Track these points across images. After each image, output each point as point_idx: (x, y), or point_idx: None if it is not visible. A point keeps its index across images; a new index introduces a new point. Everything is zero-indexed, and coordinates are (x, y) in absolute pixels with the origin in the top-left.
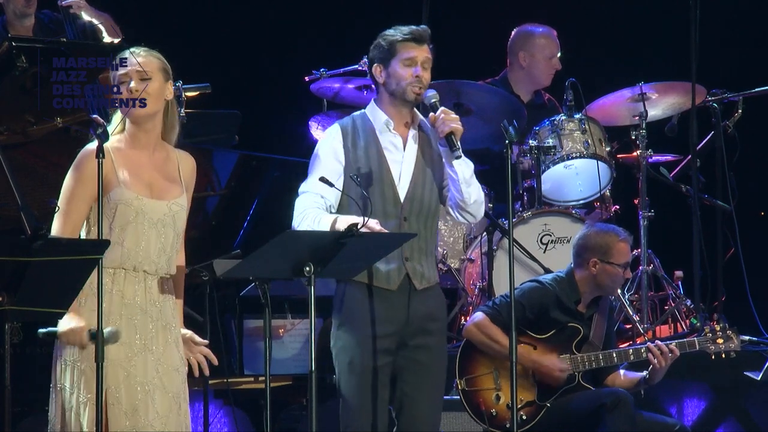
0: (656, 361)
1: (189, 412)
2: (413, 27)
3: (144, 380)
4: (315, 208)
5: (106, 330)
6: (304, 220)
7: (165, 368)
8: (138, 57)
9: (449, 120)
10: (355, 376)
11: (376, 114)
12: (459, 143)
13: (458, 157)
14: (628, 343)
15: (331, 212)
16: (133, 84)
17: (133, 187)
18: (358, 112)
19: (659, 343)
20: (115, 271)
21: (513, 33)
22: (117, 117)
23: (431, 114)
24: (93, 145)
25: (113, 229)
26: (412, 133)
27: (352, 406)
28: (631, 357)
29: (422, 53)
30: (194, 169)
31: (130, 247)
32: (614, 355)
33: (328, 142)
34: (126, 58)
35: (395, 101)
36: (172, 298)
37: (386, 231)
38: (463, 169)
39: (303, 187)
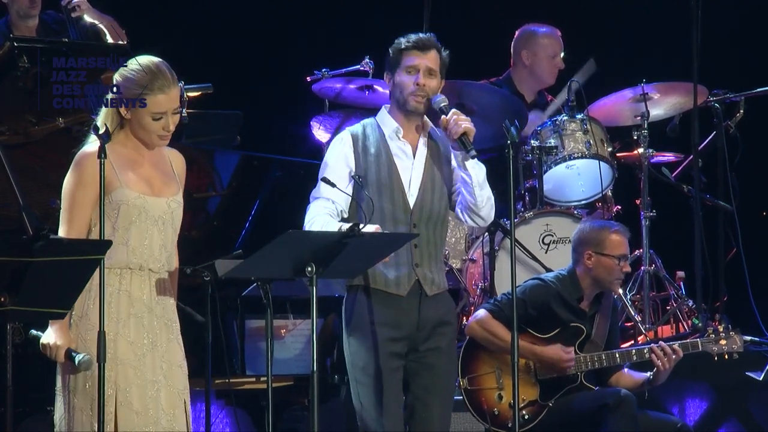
0: (660, 363)
1: (190, 408)
2: (417, 35)
3: (153, 378)
4: (324, 215)
5: (80, 356)
6: (312, 226)
7: (169, 365)
8: (175, 89)
9: (461, 120)
10: (369, 380)
11: (386, 121)
12: (472, 144)
13: (473, 157)
14: (630, 343)
15: (342, 217)
16: (170, 123)
17: (134, 186)
18: (368, 119)
19: (663, 344)
20: (121, 272)
21: (517, 32)
22: (107, 116)
23: (442, 117)
24: (90, 148)
25: (117, 230)
26: (422, 140)
27: (368, 410)
28: (635, 357)
29: (425, 60)
30: (184, 163)
31: (135, 246)
32: (617, 355)
33: (339, 148)
34: (168, 93)
35: (401, 110)
36: (172, 295)
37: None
38: (476, 171)
39: (314, 193)
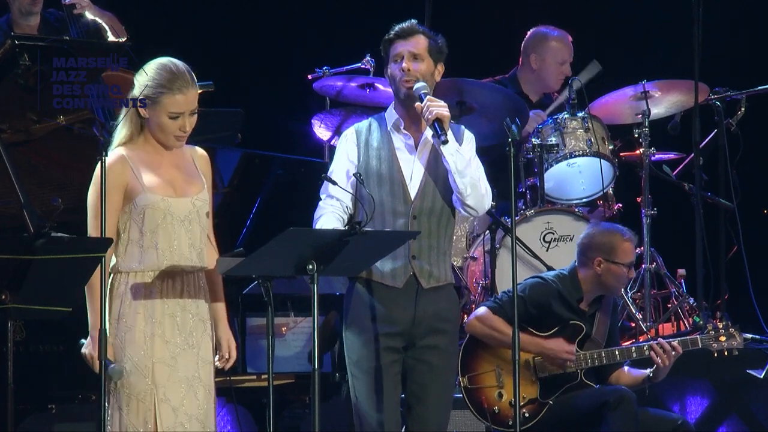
0: (659, 360)
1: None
2: (401, 24)
3: (187, 375)
4: (330, 214)
5: (112, 367)
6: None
7: (202, 361)
8: (193, 90)
9: (434, 106)
10: (363, 375)
11: (391, 114)
12: (447, 129)
13: (444, 143)
14: (631, 341)
15: (349, 214)
16: (187, 124)
17: (157, 189)
18: (377, 114)
19: (662, 341)
20: (154, 274)
21: (528, 33)
22: (127, 119)
23: (417, 104)
24: (110, 156)
25: (145, 234)
26: (427, 133)
27: (362, 404)
28: (634, 354)
29: (407, 46)
30: (209, 161)
31: (164, 249)
32: (617, 352)
33: (343, 145)
34: (186, 93)
35: (400, 101)
36: (207, 293)
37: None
38: (455, 158)
39: (322, 189)
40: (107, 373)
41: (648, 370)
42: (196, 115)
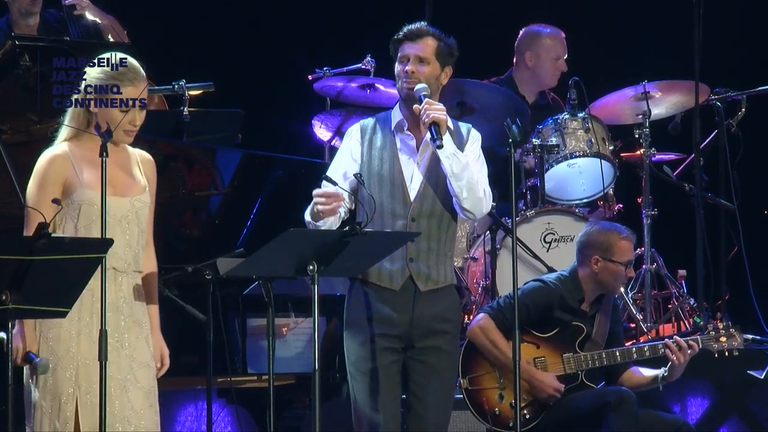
0: (674, 357)
1: (158, 409)
2: (411, 25)
3: (117, 376)
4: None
5: (39, 360)
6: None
7: (138, 364)
8: (143, 84)
9: (431, 110)
10: (361, 375)
11: (396, 114)
12: (444, 134)
13: (438, 148)
14: (631, 342)
15: (348, 208)
16: (137, 118)
17: (96, 186)
18: (384, 112)
19: (677, 338)
20: None
21: (521, 32)
22: (74, 116)
23: (415, 106)
24: (51, 152)
25: (79, 230)
26: (428, 135)
27: (360, 405)
28: (635, 355)
29: (414, 49)
30: (154, 166)
31: None
32: (617, 353)
33: (347, 141)
34: (137, 86)
35: (403, 101)
36: (142, 296)
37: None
38: (451, 162)
39: (321, 184)
40: (36, 368)
41: (662, 369)
42: (145, 112)
